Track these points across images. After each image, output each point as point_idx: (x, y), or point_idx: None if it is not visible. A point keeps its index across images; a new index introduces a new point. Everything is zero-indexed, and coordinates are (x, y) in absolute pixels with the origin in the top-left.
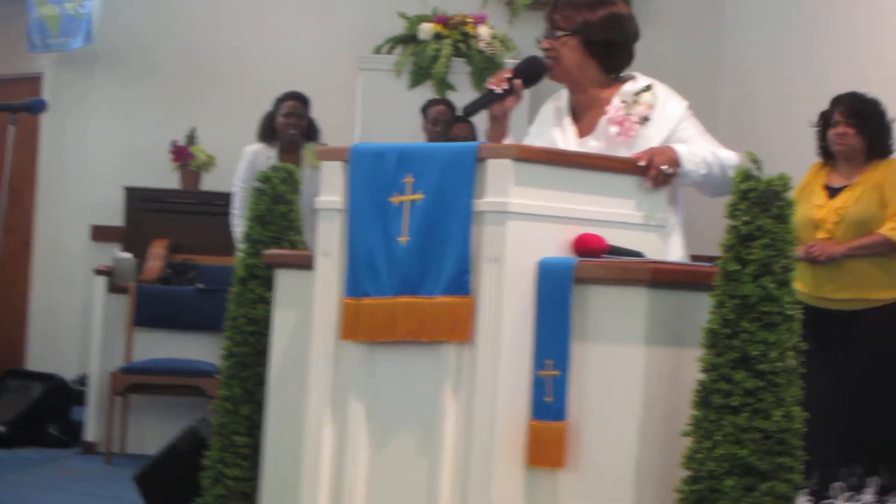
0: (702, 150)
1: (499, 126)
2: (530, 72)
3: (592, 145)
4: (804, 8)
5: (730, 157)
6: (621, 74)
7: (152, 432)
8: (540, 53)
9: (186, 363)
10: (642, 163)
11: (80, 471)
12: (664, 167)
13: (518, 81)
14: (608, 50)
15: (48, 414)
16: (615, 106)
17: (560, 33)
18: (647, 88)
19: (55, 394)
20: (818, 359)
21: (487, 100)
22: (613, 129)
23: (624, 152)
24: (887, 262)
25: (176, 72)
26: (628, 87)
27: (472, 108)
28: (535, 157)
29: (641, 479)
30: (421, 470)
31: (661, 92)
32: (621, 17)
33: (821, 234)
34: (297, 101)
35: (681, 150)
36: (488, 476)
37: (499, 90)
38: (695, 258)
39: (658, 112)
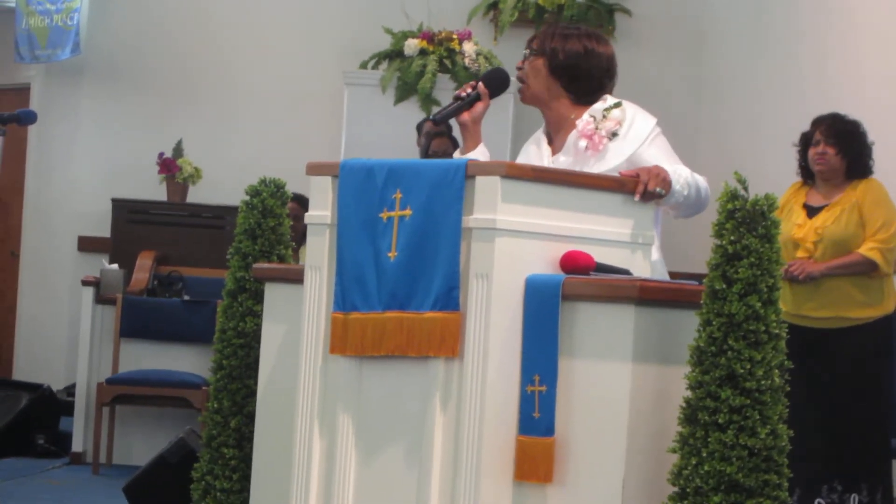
0: (683, 171)
1: (470, 135)
2: (494, 79)
3: (562, 161)
4: (779, 30)
5: (702, 181)
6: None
7: (139, 443)
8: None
9: (173, 374)
10: (643, 182)
11: (68, 481)
12: (658, 189)
13: (481, 85)
14: (572, 75)
15: (36, 424)
16: (584, 121)
17: (530, 53)
18: (617, 105)
19: (42, 404)
20: (798, 377)
21: (456, 107)
22: (582, 143)
23: (592, 167)
24: (866, 281)
25: (164, 84)
26: (597, 106)
27: (441, 116)
28: (522, 175)
29: (629, 494)
30: (409, 484)
31: (630, 109)
32: (592, 52)
33: (800, 253)
34: None
35: (669, 169)
36: (476, 490)
37: (464, 95)
38: (675, 275)
39: (626, 128)
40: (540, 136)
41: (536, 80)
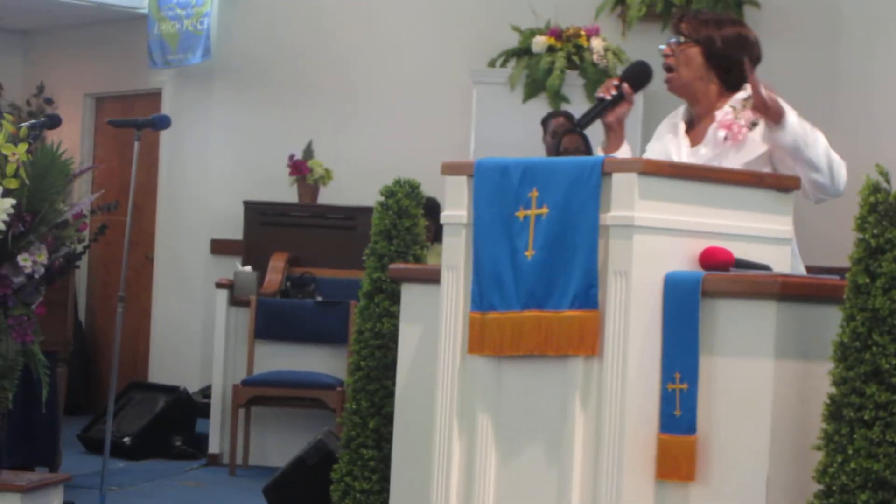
0: (808, 127)
1: (614, 135)
2: (637, 75)
3: (703, 153)
4: None
5: (837, 158)
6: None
7: (274, 444)
8: (651, 61)
9: (308, 375)
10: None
11: (206, 482)
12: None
13: (626, 85)
14: (728, 65)
15: (173, 426)
16: (724, 111)
17: (683, 39)
18: None
19: (179, 406)
20: None
21: (599, 109)
22: (722, 134)
23: (733, 157)
24: None
25: (293, 86)
26: (738, 95)
27: (586, 120)
28: (660, 171)
29: (773, 492)
30: (550, 483)
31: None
32: (746, 39)
33: None
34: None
35: (788, 110)
36: (618, 489)
37: (608, 97)
38: (815, 269)
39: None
40: (678, 122)
41: (689, 68)
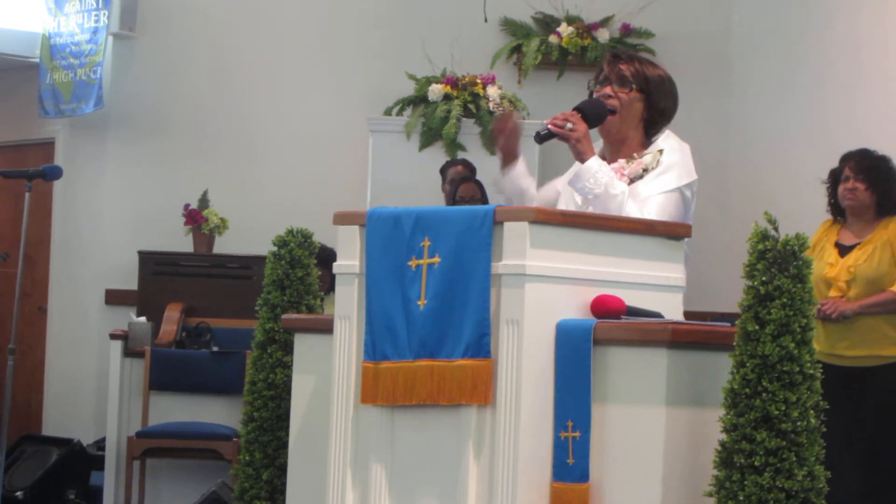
0: (611, 179)
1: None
2: (596, 113)
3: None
4: (806, 68)
5: (624, 208)
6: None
7: (170, 496)
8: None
9: (203, 426)
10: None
11: None
12: (568, 127)
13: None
14: (659, 117)
15: (66, 479)
16: (618, 163)
17: (634, 86)
18: (659, 152)
19: (73, 459)
20: (834, 416)
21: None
22: None
23: None
24: None
25: (188, 135)
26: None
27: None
28: (551, 220)
29: None
30: None
31: (669, 159)
32: (672, 83)
33: (833, 293)
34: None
35: (594, 163)
36: None
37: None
38: (706, 315)
39: (652, 175)
40: None
41: (631, 115)
